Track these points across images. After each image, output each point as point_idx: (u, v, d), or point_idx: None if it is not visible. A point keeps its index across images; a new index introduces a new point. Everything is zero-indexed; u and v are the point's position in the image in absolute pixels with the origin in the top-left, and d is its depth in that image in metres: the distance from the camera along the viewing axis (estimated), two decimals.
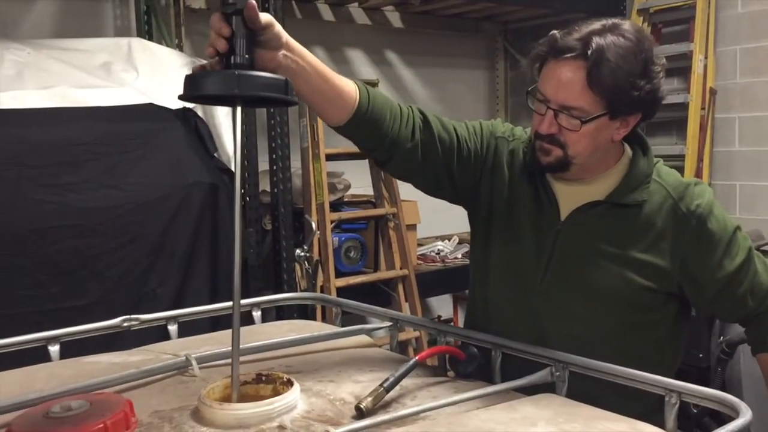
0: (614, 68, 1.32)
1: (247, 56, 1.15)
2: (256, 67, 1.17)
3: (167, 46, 3.09)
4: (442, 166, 1.48)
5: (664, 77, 1.40)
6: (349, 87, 1.35)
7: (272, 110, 2.96)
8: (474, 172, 1.53)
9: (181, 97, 1.17)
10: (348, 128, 1.38)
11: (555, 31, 1.39)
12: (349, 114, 1.35)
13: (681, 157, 3.89)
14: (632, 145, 1.51)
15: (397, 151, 1.42)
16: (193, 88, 1.15)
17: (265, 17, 1.17)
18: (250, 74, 1.13)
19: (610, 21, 1.38)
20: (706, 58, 3.91)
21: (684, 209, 1.43)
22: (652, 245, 1.43)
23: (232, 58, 1.15)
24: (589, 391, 1.21)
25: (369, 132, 1.39)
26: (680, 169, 1.46)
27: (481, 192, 1.55)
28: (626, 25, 1.38)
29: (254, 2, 1.14)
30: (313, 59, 1.29)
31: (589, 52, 1.32)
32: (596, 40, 1.32)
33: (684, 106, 3.92)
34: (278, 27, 1.21)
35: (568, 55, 1.34)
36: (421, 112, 1.46)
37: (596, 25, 1.36)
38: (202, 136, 2.61)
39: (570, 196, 1.48)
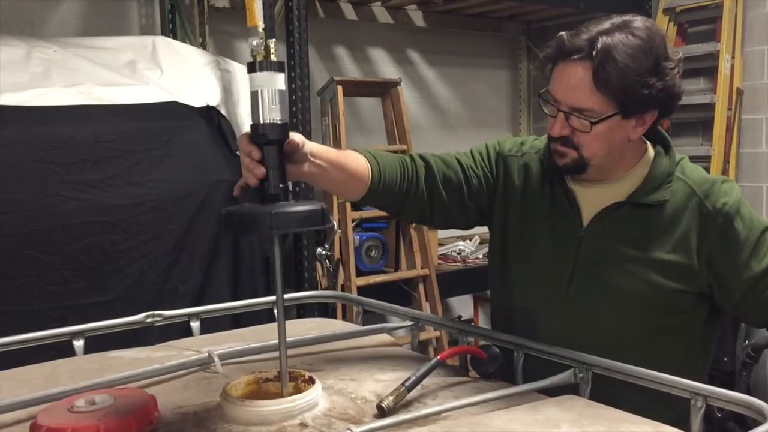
0: (622, 68, 1.30)
1: (281, 186, 1.15)
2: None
3: (191, 44, 3.11)
4: (452, 203, 1.52)
5: (679, 72, 1.37)
6: (362, 165, 1.42)
7: (294, 108, 2.97)
8: (487, 196, 1.56)
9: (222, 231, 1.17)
10: (365, 200, 1.48)
11: (563, 33, 1.37)
12: (365, 190, 1.43)
13: (707, 159, 3.84)
14: (654, 144, 1.49)
15: (407, 202, 1.49)
16: (232, 227, 1.15)
17: (298, 140, 1.21)
18: (286, 212, 1.11)
19: (620, 19, 1.35)
20: (733, 58, 3.86)
21: (710, 207, 1.40)
22: (677, 245, 1.41)
23: (266, 186, 1.15)
24: (620, 396, 1.19)
25: (384, 198, 1.48)
26: (706, 171, 1.44)
27: (494, 213, 1.57)
28: (637, 22, 1.35)
29: (292, 138, 1.17)
30: (331, 154, 1.36)
31: (594, 52, 1.30)
32: (603, 40, 1.31)
33: (710, 107, 3.87)
34: (307, 145, 1.26)
35: (576, 56, 1.33)
36: (423, 158, 1.52)
37: (606, 24, 1.34)
38: (225, 134, 2.63)
39: (592, 200, 1.47)
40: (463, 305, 4.40)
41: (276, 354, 1.43)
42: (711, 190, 1.42)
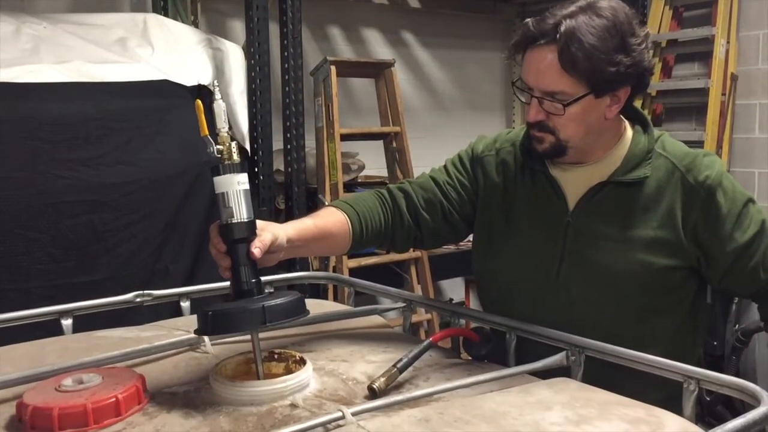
0: (587, 48, 1.31)
1: (253, 280, 1.18)
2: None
3: (183, 22, 3.06)
4: (437, 223, 1.56)
5: (647, 47, 1.39)
6: (342, 224, 1.45)
7: (287, 89, 2.94)
8: (470, 204, 1.59)
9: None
10: (353, 250, 1.53)
11: (528, 20, 1.39)
12: (349, 244, 1.48)
13: (700, 144, 3.84)
14: (633, 123, 1.50)
15: (396, 236, 1.55)
16: (204, 330, 1.17)
17: (268, 240, 1.20)
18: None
19: (585, 1, 1.37)
20: (728, 42, 3.85)
21: (692, 180, 1.41)
22: (663, 221, 1.41)
23: (238, 283, 1.17)
24: (611, 378, 1.19)
25: (372, 241, 1.53)
26: None
27: (478, 214, 1.59)
28: (601, 2, 1.37)
29: (257, 250, 1.17)
30: (309, 231, 1.38)
31: (558, 35, 1.32)
32: (567, 23, 1.32)
33: (704, 92, 3.87)
34: (280, 237, 1.25)
35: (542, 41, 1.35)
36: (401, 189, 1.57)
37: (570, 7, 1.36)
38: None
39: (575, 183, 1.47)
40: (454, 288, 4.40)
41: (266, 334, 1.42)
42: (693, 164, 1.43)
